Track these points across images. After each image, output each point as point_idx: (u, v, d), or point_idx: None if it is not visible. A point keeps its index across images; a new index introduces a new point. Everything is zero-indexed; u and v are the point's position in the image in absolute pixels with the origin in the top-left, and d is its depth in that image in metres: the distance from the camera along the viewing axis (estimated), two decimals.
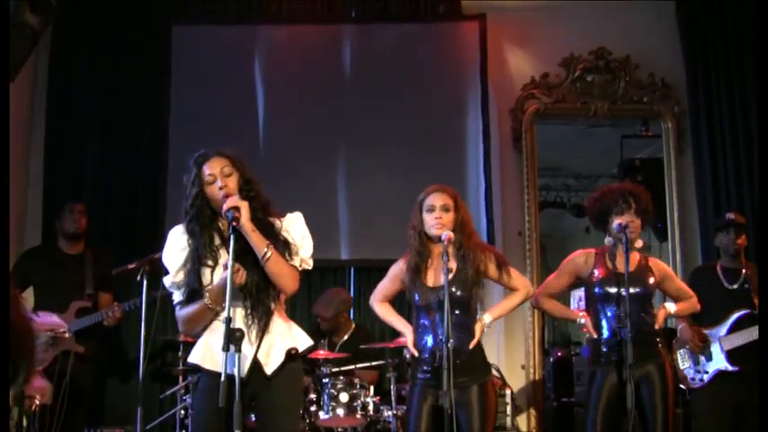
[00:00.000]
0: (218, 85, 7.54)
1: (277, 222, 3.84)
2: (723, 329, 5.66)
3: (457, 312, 4.50)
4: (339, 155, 7.57)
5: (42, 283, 6.23)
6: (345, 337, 6.73)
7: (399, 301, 4.88)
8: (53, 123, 7.41)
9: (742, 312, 5.64)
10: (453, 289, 4.48)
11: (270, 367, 3.65)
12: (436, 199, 4.62)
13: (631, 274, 4.81)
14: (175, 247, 3.74)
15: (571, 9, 7.74)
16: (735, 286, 5.70)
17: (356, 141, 7.55)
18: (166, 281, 3.76)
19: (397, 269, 4.76)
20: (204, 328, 3.74)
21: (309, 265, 3.90)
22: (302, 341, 3.82)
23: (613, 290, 4.89)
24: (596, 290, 4.97)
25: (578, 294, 7.63)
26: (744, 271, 5.78)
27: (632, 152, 8.90)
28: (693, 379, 5.70)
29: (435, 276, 4.59)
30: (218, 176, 3.70)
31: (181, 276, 3.71)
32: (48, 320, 5.71)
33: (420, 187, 4.76)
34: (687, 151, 7.74)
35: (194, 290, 3.68)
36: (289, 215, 3.92)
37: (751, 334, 5.55)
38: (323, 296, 6.83)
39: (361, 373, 6.32)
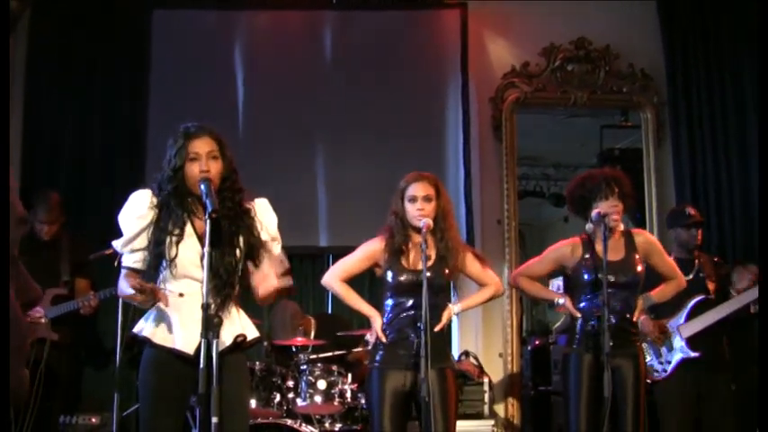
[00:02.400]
0: (198, 69, 7.49)
1: (251, 211, 3.82)
2: (681, 318, 5.72)
3: (429, 295, 4.44)
4: (318, 141, 7.56)
5: None
6: (313, 332, 6.70)
7: (358, 283, 4.85)
8: (31, 105, 7.32)
9: (697, 299, 5.71)
10: (431, 274, 4.46)
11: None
12: (418, 189, 4.61)
13: (619, 262, 4.84)
14: (138, 212, 3.67)
15: None
16: (690, 277, 5.74)
17: (336, 127, 7.52)
18: (120, 243, 3.68)
19: (372, 249, 4.71)
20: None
21: (277, 255, 3.86)
22: (250, 330, 3.78)
23: (596, 276, 4.89)
24: (586, 276, 4.95)
25: (557, 283, 7.64)
26: (697, 261, 5.86)
27: (611, 142, 8.92)
28: (657, 371, 5.74)
29: (414, 262, 4.59)
30: (203, 158, 3.65)
31: (140, 243, 3.65)
32: None
33: (400, 174, 4.74)
34: (666, 142, 7.76)
35: (156, 260, 3.64)
36: (258, 202, 3.88)
37: (708, 319, 5.63)
38: (275, 322, 6.74)
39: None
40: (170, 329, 3.62)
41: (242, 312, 3.79)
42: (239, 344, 3.69)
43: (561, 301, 5.02)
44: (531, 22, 7.81)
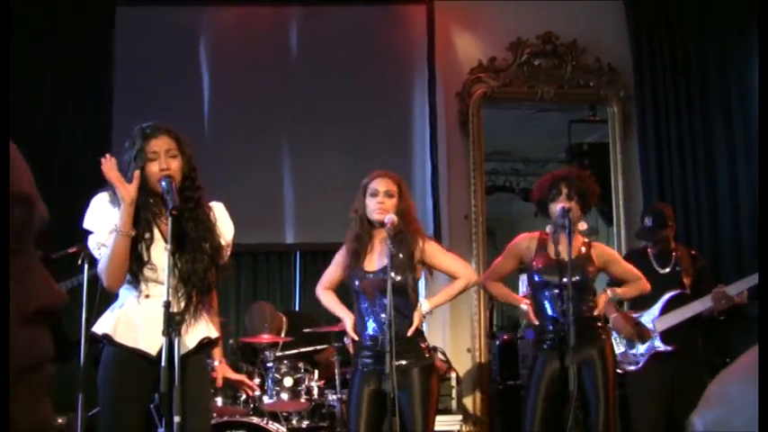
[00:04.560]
0: (163, 64, 7.43)
1: (212, 215, 3.81)
2: (655, 311, 5.73)
3: (394, 298, 4.45)
4: (285, 137, 7.53)
5: None
6: (284, 332, 6.68)
7: (345, 289, 4.86)
8: None
9: (673, 293, 5.72)
10: (395, 274, 4.46)
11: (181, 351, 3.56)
12: (380, 184, 4.61)
13: (571, 261, 4.84)
14: (102, 214, 3.64)
15: None
16: (667, 270, 5.77)
17: (302, 123, 7.49)
18: (94, 240, 3.65)
19: (341, 255, 4.75)
20: (116, 299, 3.69)
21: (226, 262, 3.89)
22: (213, 332, 3.80)
23: (552, 277, 4.92)
24: (536, 277, 5.00)
25: (525, 278, 7.66)
26: (674, 254, 5.87)
27: (580, 137, 8.95)
28: (630, 363, 5.76)
29: (375, 261, 4.59)
30: (162, 156, 3.64)
31: (111, 240, 3.61)
32: None
33: (367, 170, 4.76)
34: (632, 136, 7.77)
35: (138, 260, 3.62)
36: (215, 206, 3.87)
37: (683, 313, 5.65)
38: (255, 322, 6.70)
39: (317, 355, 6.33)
40: (133, 329, 3.61)
41: (205, 315, 3.79)
42: (203, 346, 3.71)
43: (524, 307, 5.06)
44: (498, 16, 7.80)
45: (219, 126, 7.41)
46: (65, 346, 6.83)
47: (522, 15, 7.74)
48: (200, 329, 3.70)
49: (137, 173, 3.56)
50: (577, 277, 4.86)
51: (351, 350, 4.78)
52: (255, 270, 7.32)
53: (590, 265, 4.97)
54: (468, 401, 7.22)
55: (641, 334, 5.73)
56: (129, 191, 3.52)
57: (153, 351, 3.56)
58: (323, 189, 7.25)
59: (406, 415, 4.43)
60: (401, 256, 4.56)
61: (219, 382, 4.09)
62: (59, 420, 6.29)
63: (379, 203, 4.55)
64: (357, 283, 4.61)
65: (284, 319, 6.71)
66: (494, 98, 7.69)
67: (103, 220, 3.64)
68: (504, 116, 8.45)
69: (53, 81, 7.29)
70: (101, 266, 3.63)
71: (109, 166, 3.53)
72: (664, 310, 5.72)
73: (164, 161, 3.63)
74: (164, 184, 3.57)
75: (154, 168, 3.63)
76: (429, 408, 4.53)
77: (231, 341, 6.39)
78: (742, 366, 1.14)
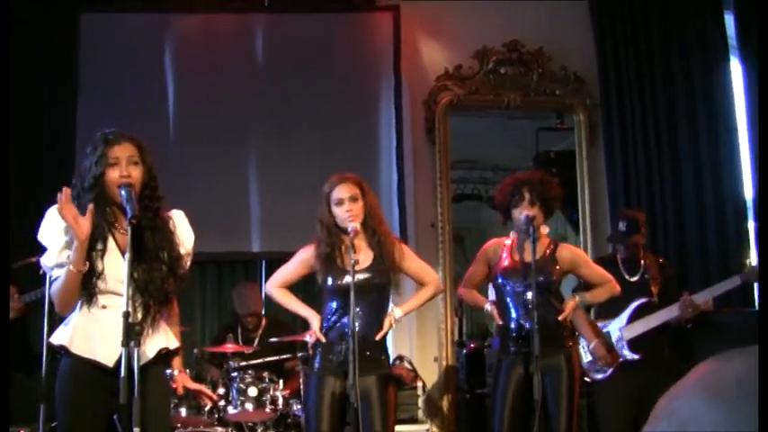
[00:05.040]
0: (128, 71, 7.34)
1: (171, 224, 3.76)
2: (623, 320, 5.72)
3: (370, 299, 4.51)
4: (250, 145, 7.48)
5: None
6: (260, 332, 6.67)
7: (302, 289, 4.82)
8: None
9: (640, 301, 5.71)
10: (371, 275, 4.51)
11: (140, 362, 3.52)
12: (343, 191, 4.58)
13: (535, 262, 4.83)
14: (59, 226, 3.57)
15: (485, 1, 7.73)
16: (635, 278, 5.77)
17: (268, 131, 7.46)
18: (48, 259, 3.60)
19: (307, 254, 4.70)
20: (73, 310, 3.63)
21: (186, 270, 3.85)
22: (172, 342, 3.77)
23: (515, 279, 4.90)
24: (499, 280, 4.99)
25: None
26: (643, 262, 5.86)
27: (549, 145, 8.95)
28: (598, 371, 5.74)
29: (347, 262, 4.55)
30: (123, 163, 3.59)
31: (66, 256, 3.56)
32: None
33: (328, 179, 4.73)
34: (598, 143, 7.80)
35: (89, 272, 3.56)
36: (175, 214, 3.83)
37: (650, 322, 5.64)
38: (245, 294, 6.71)
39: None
40: (90, 340, 3.57)
41: (164, 324, 3.76)
42: (162, 356, 3.67)
43: (488, 307, 5.03)
44: (464, 24, 7.79)
45: (185, 133, 7.36)
46: (29, 358, 6.76)
47: (488, 23, 7.75)
48: (159, 339, 3.66)
49: (91, 206, 3.50)
50: (540, 278, 4.83)
51: (311, 349, 4.72)
52: (220, 279, 7.27)
53: (554, 266, 4.95)
54: (435, 410, 7.19)
55: (606, 356, 5.69)
56: (83, 229, 3.45)
57: (110, 362, 3.52)
58: (289, 197, 7.20)
59: (365, 424, 4.40)
60: (381, 258, 4.58)
61: (180, 391, 4.03)
62: (21, 431, 6.21)
63: (348, 211, 4.54)
64: (331, 281, 4.57)
65: (264, 320, 6.72)
66: (460, 106, 7.69)
67: (56, 235, 3.58)
68: (472, 124, 8.43)
69: (15, 84, 7.20)
70: (52, 291, 3.61)
71: (64, 201, 3.46)
72: (631, 319, 5.70)
73: (125, 168, 3.59)
74: (123, 192, 3.52)
75: (114, 175, 3.58)
76: (387, 417, 4.52)
77: (196, 350, 6.34)
78: (691, 381, 1.13)
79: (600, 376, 5.72)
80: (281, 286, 4.78)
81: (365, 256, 4.58)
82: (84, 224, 3.46)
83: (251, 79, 7.53)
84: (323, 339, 4.56)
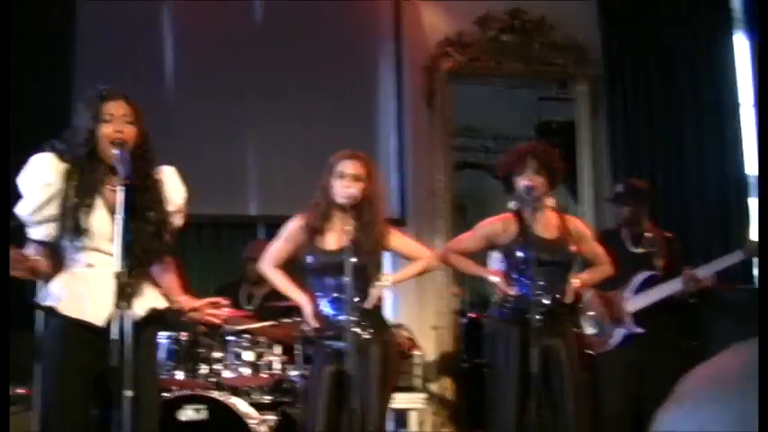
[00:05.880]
0: (127, 33, 7.25)
1: (159, 182, 3.74)
2: (627, 292, 5.67)
3: (354, 281, 4.43)
4: (249, 108, 7.40)
5: None
6: (267, 290, 6.67)
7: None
8: None
9: (645, 274, 5.67)
10: (351, 258, 4.42)
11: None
12: (348, 167, 4.54)
13: (553, 241, 4.81)
14: (44, 178, 3.55)
15: None
16: (639, 250, 5.73)
17: (266, 94, 7.38)
18: (27, 211, 3.57)
19: (294, 228, 4.68)
20: (61, 268, 3.61)
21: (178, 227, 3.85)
22: (160, 302, 3.75)
23: (530, 254, 4.84)
24: (519, 253, 4.90)
25: (497, 256, 7.62)
26: (648, 235, 5.82)
27: (550, 114, 8.94)
28: (601, 344, 5.72)
29: (335, 241, 4.54)
30: (118, 120, 3.57)
31: (49, 213, 3.54)
32: None
33: (331, 143, 4.76)
34: (601, 114, 7.76)
35: (69, 232, 3.54)
36: (165, 170, 3.80)
37: (654, 295, 5.60)
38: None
39: (269, 331, 6.23)
40: (77, 300, 3.55)
41: (152, 286, 3.75)
42: (151, 317, 3.65)
43: (495, 279, 4.95)
44: None
45: (183, 95, 7.29)
46: (26, 318, 6.74)
47: None
48: (148, 299, 3.63)
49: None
50: (560, 257, 4.82)
51: (313, 331, 4.72)
52: (219, 242, 7.26)
53: (572, 244, 4.93)
54: (432, 379, 7.19)
55: (613, 314, 5.67)
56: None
57: (99, 321, 3.50)
58: (287, 162, 7.16)
59: (363, 389, 4.40)
60: (365, 239, 4.51)
61: (187, 308, 3.92)
62: (19, 391, 6.20)
63: (346, 188, 4.49)
64: (313, 260, 4.56)
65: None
66: (461, 73, 7.64)
67: (39, 187, 3.56)
68: (473, 92, 8.39)
69: (13, 51, 7.12)
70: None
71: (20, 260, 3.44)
72: (636, 291, 5.68)
73: (119, 124, 3.56)
74: (117, 152, 3.49)
75: (107, 130, 3.56)
76: (387, 382, 4.54)
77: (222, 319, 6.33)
78: (704, 371, 1.13)
79: (603, 349, 5.68)
80: (275, 265, 4.76)
81: (343, 235, 4.52)
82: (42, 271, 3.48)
83: (249, 41, 7.45)
84: (318, 325, 4.56)
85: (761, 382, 1.03)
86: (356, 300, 4.43)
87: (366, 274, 4.55)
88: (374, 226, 4.55)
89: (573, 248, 4.93)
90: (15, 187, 3.55)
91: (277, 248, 4.75)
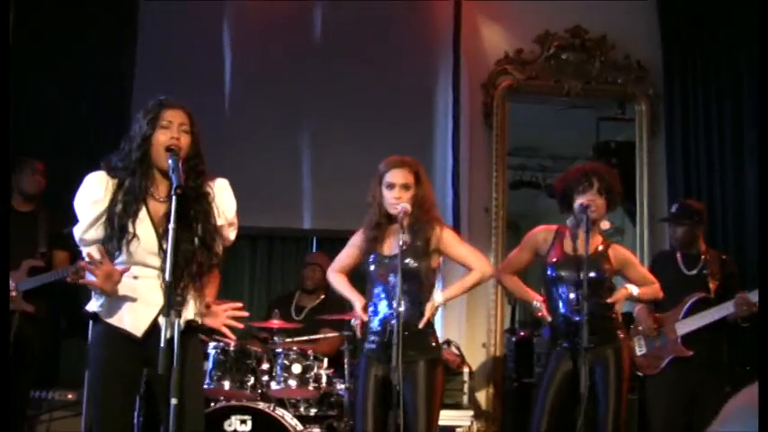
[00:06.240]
0: (186, 49, 7.36)
1: (211, 194, 3.73)
2: (678, 314, 5.60)
3: (409, 284, 4.47)
4: (305, 123, 7.48)
5: None
6: (315, 303, 6.68)
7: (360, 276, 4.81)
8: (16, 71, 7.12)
9: (697, 297, 5.59)
10: (405, 260, 4.45)
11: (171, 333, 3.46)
12: (397, 176, 4.55)
13: (588, 257, 4.74)
14: (94, 196, 3.57)
15: None
16: (693, 272, 5.66)
17: (323, 110, 7.44)
18: (79, 231, 3.59)
19: (357, 239, 4.73)
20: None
21: (230, 241, 3.82)
22: (198, 315, 3.72)
23: (567, 272, 4.81)
24: (549, 272, 4.89)
25: None
26: (703, 257, 5.73)
27: (609, 135, 8.84)
28: (650, 366, 5.65)
29: (392, 246, 4.55)
30: (175, 127, 3.59)
31: (98, 232, 3.55)
32: None
33: (387, 158, 4.69)
34: (660, 135, 7.66)
35: (115, 244, 3.54)
36: (218, 182, 3.79)
37: (705, 318, 5.51)
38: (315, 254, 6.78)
39: (317, 346, 6.23)
40: (120, 310, 3.56)
41: (197, 298, 3.72)
42: (193, 327, 3.64)
43: (537, 304, 4.92)
44: (527, 7, 7.66)
45: (241, 110, 7.37)
46: (83, 324, 6.81)
47: (552, 8, 7.61)
48: (189, 311, 3.63)
49: (116, 271, 3.49)
50: (593, 274, 4.75)
51: (359, 333, 4.74)
52: (271, 254, 7.31)
53: (606, 264, 4.87)
54: (480, 397, 7.15)
55: (661, 331, 5.61)
56: (113, 291, 3.48)
57: (138, 332, 3.53)
58: (342, 177, 7.17)
59: (410, 408, 4.42)
60: (418, 242, 4.55)
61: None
62: (69, 395, 6.28)
63: (396, 198, 4.51)
64: (373, 267, 4.61)
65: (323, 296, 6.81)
66: (519, 91, 7.59)
67: (88, 206, 3.58)
68: (531, 111, 8.36)
69: (75, 53, 7.20)
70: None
71: (91, 269, 3.45)
72: (686, 314, 5.60)
73: (175, 131, 3.59)
74: (170, 162, 3.50)
75: (162, 138, 3.57)
76: (433, 402, 4.51)
77: (242, 325, 6.35)
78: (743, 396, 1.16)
79: (652, 371, 5.62)
80: (338, 272, 4.83)
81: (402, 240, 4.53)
82: (114, 287, 3.48)
83: (308, 59, 7.49)
84: (365, 319, 4.56)
85: (760, 379, 1.02)
86: (408, 310, 4.46)
87: (419, 278, 4.56)
88: (427, 229, 4.57)
89: (607, 267, 4.86)
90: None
91: (341, 257, 4.85)
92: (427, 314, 4.52)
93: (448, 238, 4.67)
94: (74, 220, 5.63)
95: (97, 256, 3.46)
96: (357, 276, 4.86)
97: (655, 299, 5.17)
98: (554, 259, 4.89)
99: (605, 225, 4.91)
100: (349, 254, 4.79)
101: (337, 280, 4.81)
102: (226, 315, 3.75)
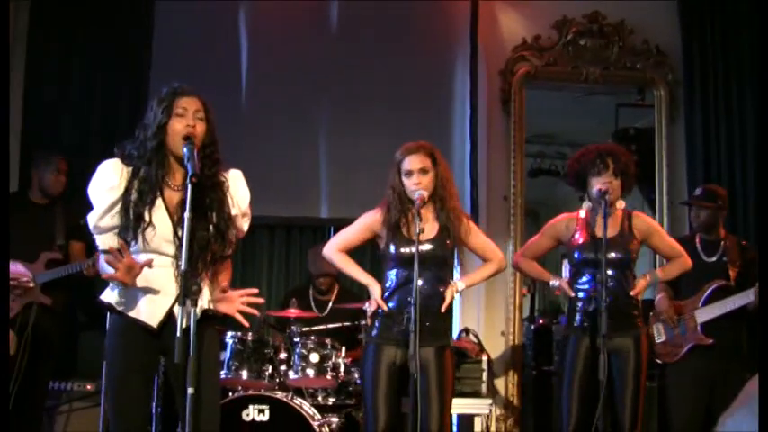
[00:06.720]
0: (202, 38, 7.35)
1: (225, 185, 3.71)
2: (699, 302, 5.56)
3: (433, 269, 4.50)
4: (322, 112, 7.46)
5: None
6: (333, 297, 6.68)
7: (359, 255, 4.80)
8: (31, 75, 7.13)
9: (717, 284, 5.54)
10: (434, 246, 4.49)
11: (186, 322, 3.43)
12: (414, 162, 4.55)
13: (613, 238, 4.73)
14: (109, 183, 3.55)
15: None
16: (713, 259, 5.62)
17: (340, 98, 7.43)
18: (94, 219, 3.56)
19: (371, 219, 4.69)
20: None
21: (243, 232, 3.81)
22: (211, 304, 3.71)
23: (591, 255, 4.79)
24: (576, 255, 4.90)
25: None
26: (723, 243, 5.69)
27: (629, 121, 8.76)
28: (670, 354, 5.62)
29: (412, 233, 4.52)
30: (190, 114, 3.57)
31: (114, 219, 3.53)
32: (12, 270, 5.56)
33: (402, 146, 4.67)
34: (679, 121, 7.59)
35: (130, 232, 3.51)
36: (231, 173, 3.76)
37: (725, 306, 5.47)
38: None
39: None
40: (135, 300, 3.55)
41: (211, 287, 3.71)
42: (209, 316, 3.63)
43: (556, 283, 4.94)
44: None
45: (256, 100, 7.36)
46: (100, 316, 6.82)
47: None
48: (204, 299, 3.62)
49: (138, 264, 3.46)
50: (619, 254, 4.75)
51: (369, 318, 4.71)
52: (289, 243, 7.32)
53: (632, 242, 4.85)
54: (499, 385, 7.13)
55: (681, 318, 5.57)
56: (132, 283, 3.46)
57: (153, 323, 3.53)
58: (360, 167, 7.18)
59: (422, 395, 4.39)
60: (442, 229, 4.56)
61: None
62: (88, 386, 6.30)
63: (416, 184, 4.52)
64: (395, 249, 4.56)
65: (337, 286, 6.78)
66: (537, 78, 7.53)
67: (103, 193, 3.55)
68: (549, 98, 8.28)
69: (90, 54, 7.19)
70: (102, 268, 3.57)
71: (113, 262, 3.43)
72: (706, 302, 5.56)
73: (191, 119, 3.57)
74: (186, 150, 3.48)
75: (178, 126, 3.55)
76: (445, 386, 4.52)
77: (259, 314, 6.36)
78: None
79: (672, 359, 5.59)
80: (341, 250, 4.77)
81: (430, 228, 4.58)
82: (133, 279, 3.45)
83: (325, 46, 7.47)
84: (385, 307, 4.54)
85: (760, 379, 1.03)
86: (428, 295, 4.48)
87: (446, 265, 4.60)
88: (453, 218, 4.58)
89: (633, 247, 4.86)
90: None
91: (349, 234, 4.78)
92: (448, 298, 4.54)
93: (473, 229, 4.71)
94: (89, 209, 5.68)
95: (117, 248, 3.45)
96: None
97: (683, 272, 5.10)
98: (580, 242, 4.87)
99: (621, 205, 4.91)
100: (358, 235, 4.75)
101: (343, 259, 4.76)
102: (241, 301, 3.71)
